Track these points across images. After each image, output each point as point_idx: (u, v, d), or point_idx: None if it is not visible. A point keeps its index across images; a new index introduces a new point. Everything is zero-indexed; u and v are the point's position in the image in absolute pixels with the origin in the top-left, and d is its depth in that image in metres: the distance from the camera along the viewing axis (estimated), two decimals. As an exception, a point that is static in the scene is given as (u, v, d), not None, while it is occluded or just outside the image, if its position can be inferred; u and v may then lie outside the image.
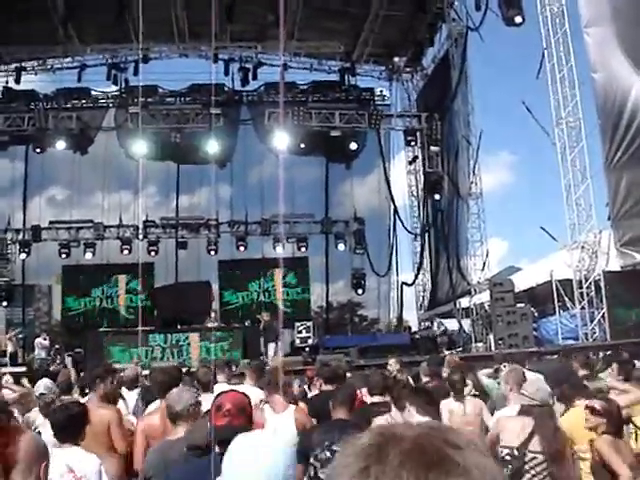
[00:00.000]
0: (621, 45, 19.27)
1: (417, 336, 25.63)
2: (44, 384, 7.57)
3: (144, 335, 21.08)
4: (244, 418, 3.65)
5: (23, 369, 17.50)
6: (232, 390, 4.37)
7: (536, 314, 21.50)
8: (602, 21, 19.63)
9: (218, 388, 6.90)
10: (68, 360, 20.52)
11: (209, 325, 21.70)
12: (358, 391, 7.42)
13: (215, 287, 26.91)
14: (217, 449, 3.48)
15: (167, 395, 4.78)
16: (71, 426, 4.64)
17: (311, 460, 3.48)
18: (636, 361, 8.84)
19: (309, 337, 23.35)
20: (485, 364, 11.13)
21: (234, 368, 8.58)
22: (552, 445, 4.90)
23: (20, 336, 23.00)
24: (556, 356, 14.94)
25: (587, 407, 5.43)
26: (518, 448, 4.88)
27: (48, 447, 3.26)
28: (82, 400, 6.65)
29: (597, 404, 5.39)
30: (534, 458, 4.89)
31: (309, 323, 24.18)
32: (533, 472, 4.84)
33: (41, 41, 25.65)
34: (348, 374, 8.63)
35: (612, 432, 5.29)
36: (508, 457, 4.94)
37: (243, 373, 8.42)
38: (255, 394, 6.53)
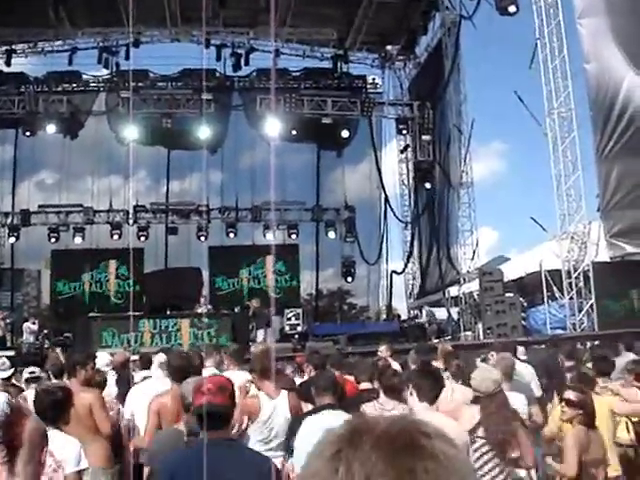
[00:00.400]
0: (614, 37, 19.28)
1: (405, 325, 25.68)
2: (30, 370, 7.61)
3: (133, 320, 21.05)
4: (225, 397, 3.69)
5: (11, 353, 17.48)
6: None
7: (525, 304, 21.61)
8: (596, 12, 19.63)
9: (206, 373, 6.92)
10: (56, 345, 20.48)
11: (199, 311, 21.68)
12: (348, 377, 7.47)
13: (205, 273, 26.90)
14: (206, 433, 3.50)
15: (183, 383, 4.78)
16: (54, 410, 4.64)
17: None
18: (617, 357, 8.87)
19: (298, 324, 23.42)
20: (475, 352, 11.17)
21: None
22: (497, 433, 4.98)
23: (8, 320, 22.90)
24: (544, 346, 15.02)
25: (562, 399, 5.48)
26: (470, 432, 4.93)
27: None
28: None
29: (573, 395, 5.43)
30: (482, 444, 4.95)
31: (299, 310, 24.25)
32: (478, 454, 4.90)
33: (32, 23, 25.42)
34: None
35: (586, 423, 5.34)
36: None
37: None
38: (240, 378, 6.55)
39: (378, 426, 1.05)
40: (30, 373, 7.40)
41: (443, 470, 0.99)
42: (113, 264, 26.79)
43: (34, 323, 22.11)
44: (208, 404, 3.56)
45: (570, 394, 5.45)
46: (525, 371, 8.44)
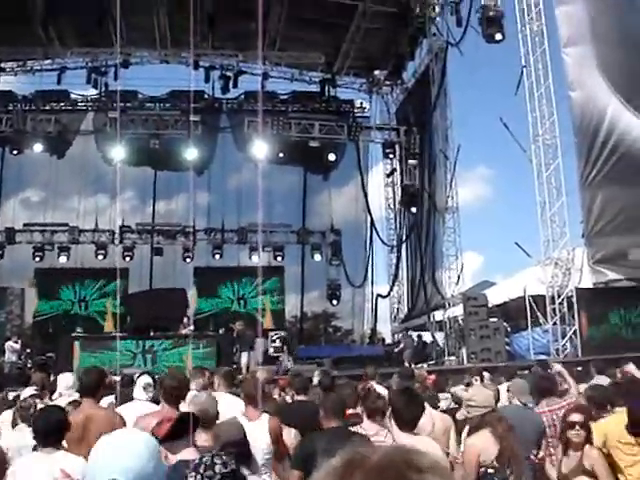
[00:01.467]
0: (599, 65, 19.53)
1: (388, 349, 25.60)
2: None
3: (116, 341, 20.92)
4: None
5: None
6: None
7: (509, 329, 21.63)
8: (581, 41, 19.89)
9: (191, 396, 6.87)
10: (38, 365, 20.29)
11: (182, 332, 21.58)
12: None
13: (190, 294, 26.78)
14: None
15: (195, 400, 4.78)
16: (57, 430, 4.64)
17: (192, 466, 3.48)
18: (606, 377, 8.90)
19: (282, 347, 23.32)
20: (459, 377, 11.19)
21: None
22: (512, 449, 4.92)
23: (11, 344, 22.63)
24: (527, 371, 15.02)
25: (574, 422, 5.37)
26: (497, 459, 4.86)
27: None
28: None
29: (581, 417, 5.38)
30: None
31: (283, 333, 24.17)
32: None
33: (22, 42, 25.46)
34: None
35: (590, 441, 5.32)
36: (491, 470, 4.91)
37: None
38: (229, 401, 6.54)
39: (370, 460, 1.04)
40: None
41: None
42: (97, 284, 26.66)
43: (16, 342, 21.91)
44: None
45: (578, 416, 5.39)
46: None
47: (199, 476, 3.29)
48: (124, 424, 5.19)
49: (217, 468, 3.33)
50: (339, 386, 7.84)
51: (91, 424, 4.92)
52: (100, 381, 5.94)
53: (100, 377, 5.98)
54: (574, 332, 19.33)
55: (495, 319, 20.76)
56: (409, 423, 4.46)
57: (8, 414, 6.90)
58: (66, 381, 7.68)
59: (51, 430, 4.62)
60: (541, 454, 5.69)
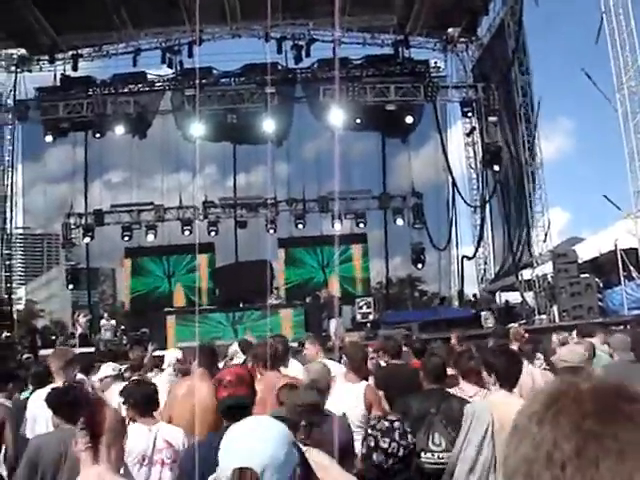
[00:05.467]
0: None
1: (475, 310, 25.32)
2: (112, 366, 7.71)
3: (208, 314, 21.39)
4: (245, 388, 3.82)
5: (92, 349, 18.00)
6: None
7: (601, 285, 21.08)
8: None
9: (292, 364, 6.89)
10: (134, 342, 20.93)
11: (272, 302, 21.88)
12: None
13: (276, 265, 27.03)
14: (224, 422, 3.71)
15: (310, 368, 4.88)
16: (155, 401, 4.85)
17: (369, 431, 3.51)
18: None
19: (370, 313, 23.37)
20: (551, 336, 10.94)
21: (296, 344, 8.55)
22: None
23: (88, 317, 23.47)
24: (622, 327, 14.64)
25: None
26: None
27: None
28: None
29: None
30: None
31: (369, 299, 24.20)
32: None
33: (96, 28, 26.01)
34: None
35: None
36: None
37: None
38: (331, 366, 6.56)
39: (575, 388, 1.00)
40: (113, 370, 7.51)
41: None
42: (186, 260, 27.21)
43: (109, 320, 22.64)
44: (232, 396, 3.74)
45: None
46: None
47: (394, 443, 3.38)
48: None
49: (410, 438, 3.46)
50: (433, 349, 7.77)
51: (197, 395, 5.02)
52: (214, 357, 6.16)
53: (213, 352, 6.18)
54: (670, 284, 18.73)
55: (586, 275, 20.27)
56: (509, 381, 4.39)
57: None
58: (171, 356, 7.73)
59: (151, 401, 4.80)
60: None
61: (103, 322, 22.57)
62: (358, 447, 4.19)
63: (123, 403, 4.87)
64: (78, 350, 15.86)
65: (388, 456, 3.33)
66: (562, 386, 1.02)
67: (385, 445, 3.34)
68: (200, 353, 5.92)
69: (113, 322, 22.66)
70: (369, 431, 3.50)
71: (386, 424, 3.47)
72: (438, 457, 4.37)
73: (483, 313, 22.45)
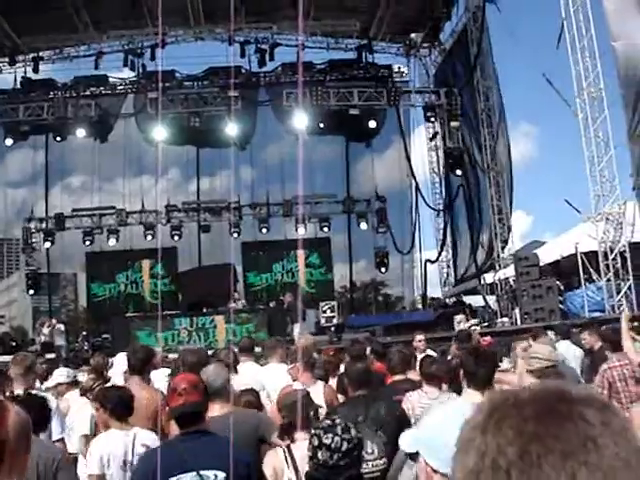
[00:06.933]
0: (641, 11, 18.91)
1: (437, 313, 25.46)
2: (65, 372, 7.63)
3: (170, 319, 21.22)
4: (198, 394, 3.86)
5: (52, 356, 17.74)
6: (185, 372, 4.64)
7: (562, 287, 21.34)
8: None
9: (244, 368, 6.92)
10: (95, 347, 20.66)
11: (233, 306, 21.76)
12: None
13: (239, 269, 26.93)
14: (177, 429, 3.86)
15: (202, 372, 4.79)
16: (131, 407, 4.82)
17: (312, 430, 3.51)
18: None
19: (334, 317, 23.36)
20: (514, 338, 11.04)
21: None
22: None
23: (53, 326, 23.00)
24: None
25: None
26: None
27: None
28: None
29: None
30: None
31: (333, 303, 24.20)
32: None
33: (57, 30, 25.75)
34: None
35: None
36: None
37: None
38: (282, 371, 6.55)
39: (515, 395, 1.01)
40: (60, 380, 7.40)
41: (582, 437, 0.92)
42: (147, 264, 26.99)
43: (53, 326, 22.14)
44: (184, 404, 3.78)
45: None
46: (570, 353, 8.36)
47: (337, 437, 3.38)
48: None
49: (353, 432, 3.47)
50: (389, 352, 7.77)
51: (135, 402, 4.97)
52: (147, 360, 6.04)
53: (147, 356, 6.06)
54: (629, 287, 18.98)
55: (547, 278, 20.50)
56: (482, 382, 4.36)
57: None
58: (120, 361, 7.68)
59: (128, 406, 4.78)
60: None
61: (56, 328, 22.09)
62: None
63: (99, 408, 4.81)
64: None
65: (333, 452, 3.32)
66: (503, 394, 1.03)
67: (328, 441, 3.34)
68: (133, 357, 5.92)
69: (61, 326, 22.12)
70: (312, 431, 3.50)
71: (328, 422, 3.49)
72: (373, 465, 4.32)
73: (457, 317, 22.55)
